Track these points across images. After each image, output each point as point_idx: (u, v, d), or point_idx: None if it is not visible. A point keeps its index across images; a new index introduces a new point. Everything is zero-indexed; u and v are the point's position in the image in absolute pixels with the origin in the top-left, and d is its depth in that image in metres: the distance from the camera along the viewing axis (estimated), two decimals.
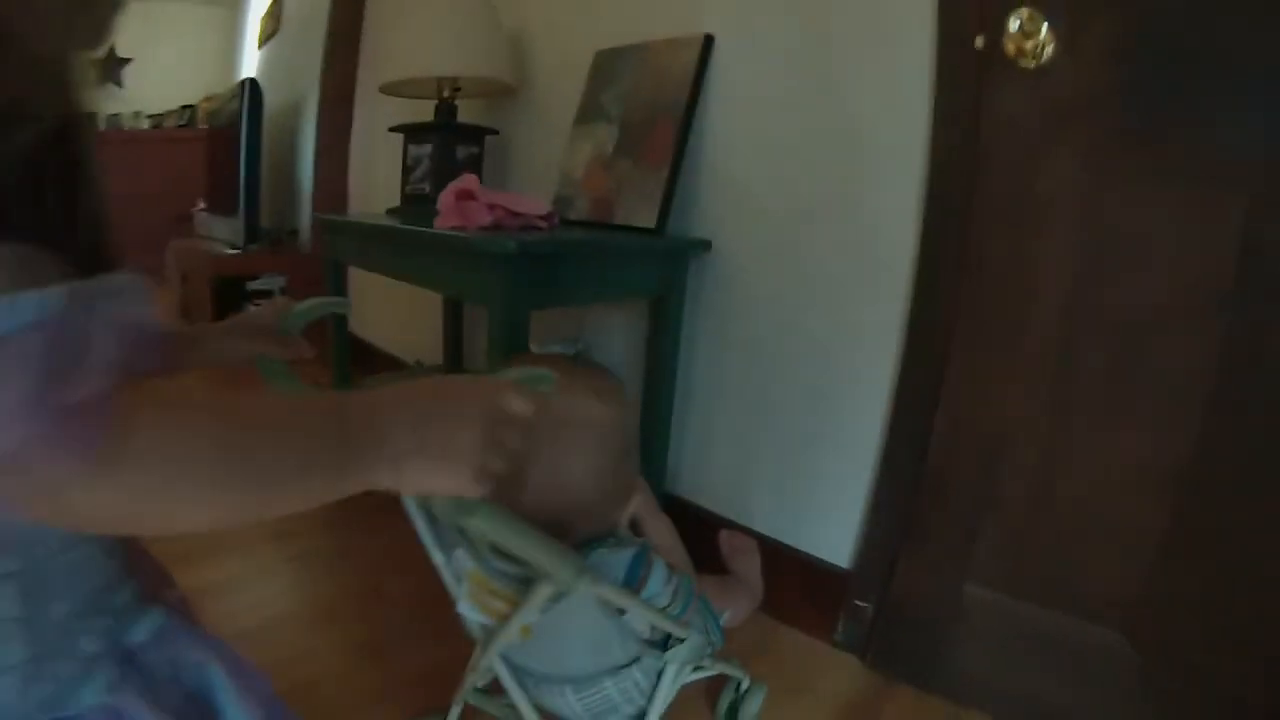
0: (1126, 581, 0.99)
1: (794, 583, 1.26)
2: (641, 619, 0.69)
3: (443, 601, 0.71)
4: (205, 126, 4.15)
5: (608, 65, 1.46)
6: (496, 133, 1.71)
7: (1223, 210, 0.88)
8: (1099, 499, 1.00)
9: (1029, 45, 0.96)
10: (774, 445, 1.30)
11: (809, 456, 1.25)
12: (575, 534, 0.68)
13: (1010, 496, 1.06)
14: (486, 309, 1.09)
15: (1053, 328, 1.00)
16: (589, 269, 1.17)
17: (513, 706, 0.75)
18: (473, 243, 1.07)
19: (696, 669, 0.82)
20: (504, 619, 0.62)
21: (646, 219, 1.28)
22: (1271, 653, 0.89)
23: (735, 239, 1.31)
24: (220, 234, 3.14)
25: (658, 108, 1.31)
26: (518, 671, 0.74)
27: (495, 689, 0.80)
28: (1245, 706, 0.92)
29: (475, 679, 0.79)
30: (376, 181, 2.50)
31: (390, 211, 1.70)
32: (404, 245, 1.32)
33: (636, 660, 0.72)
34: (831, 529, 1.23)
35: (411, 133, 1.66)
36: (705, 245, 1.32)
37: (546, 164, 1.62)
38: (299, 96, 3.03)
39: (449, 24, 1.54)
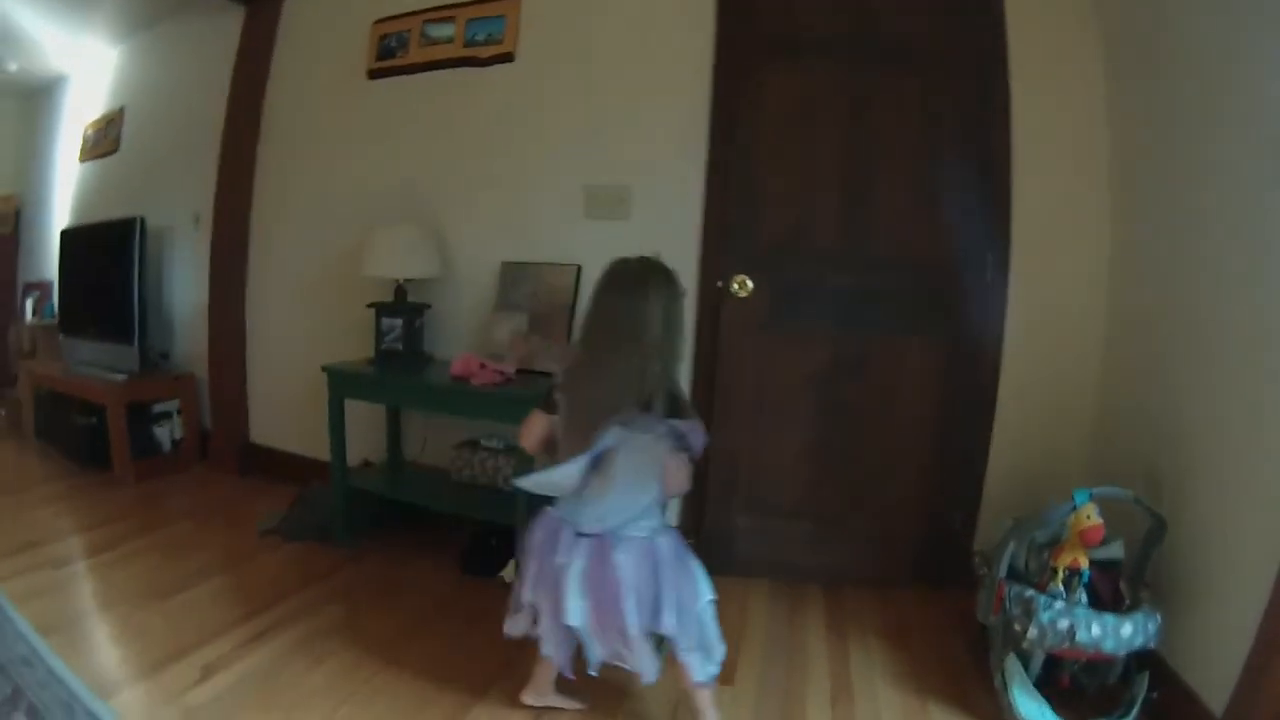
0: (799, 494, 2.43)
1: None
2: None
3: None
4: None
5: (512, 273, 2.60)
6: (430, 307, 2.72)
7: (817, 348, 2.36)
8: (780, 464, 2.43)
9: (740, 289, 2.33)
10: None
11: None
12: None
13: (744, 473, 2.45)
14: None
15: (749, 396, 2.41)
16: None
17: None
18: (517, 392, 2.21)
19: None
20: None
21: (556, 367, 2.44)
22: (866, 519, 2.39)
23: None
24: (92, 358, 3.51)
25: (554, 306, 2.49)
26: None
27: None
28: (869, 539, 2.41)
29: None
30: (292, 321, 3.24)
31: (370, 361, 2.61)
32: (453, 394, 2.33)
33: None
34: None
35: (385, 308, 2.59)
36: None
37: (466, 329, 2.73)
38: (162, 223, 3.56)
39: (411, 244, 2.56)
